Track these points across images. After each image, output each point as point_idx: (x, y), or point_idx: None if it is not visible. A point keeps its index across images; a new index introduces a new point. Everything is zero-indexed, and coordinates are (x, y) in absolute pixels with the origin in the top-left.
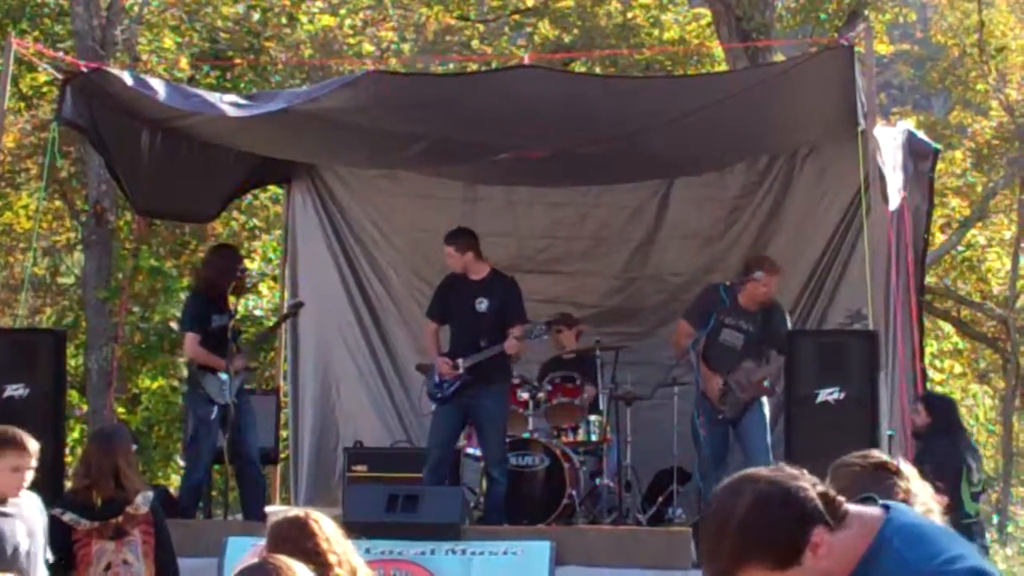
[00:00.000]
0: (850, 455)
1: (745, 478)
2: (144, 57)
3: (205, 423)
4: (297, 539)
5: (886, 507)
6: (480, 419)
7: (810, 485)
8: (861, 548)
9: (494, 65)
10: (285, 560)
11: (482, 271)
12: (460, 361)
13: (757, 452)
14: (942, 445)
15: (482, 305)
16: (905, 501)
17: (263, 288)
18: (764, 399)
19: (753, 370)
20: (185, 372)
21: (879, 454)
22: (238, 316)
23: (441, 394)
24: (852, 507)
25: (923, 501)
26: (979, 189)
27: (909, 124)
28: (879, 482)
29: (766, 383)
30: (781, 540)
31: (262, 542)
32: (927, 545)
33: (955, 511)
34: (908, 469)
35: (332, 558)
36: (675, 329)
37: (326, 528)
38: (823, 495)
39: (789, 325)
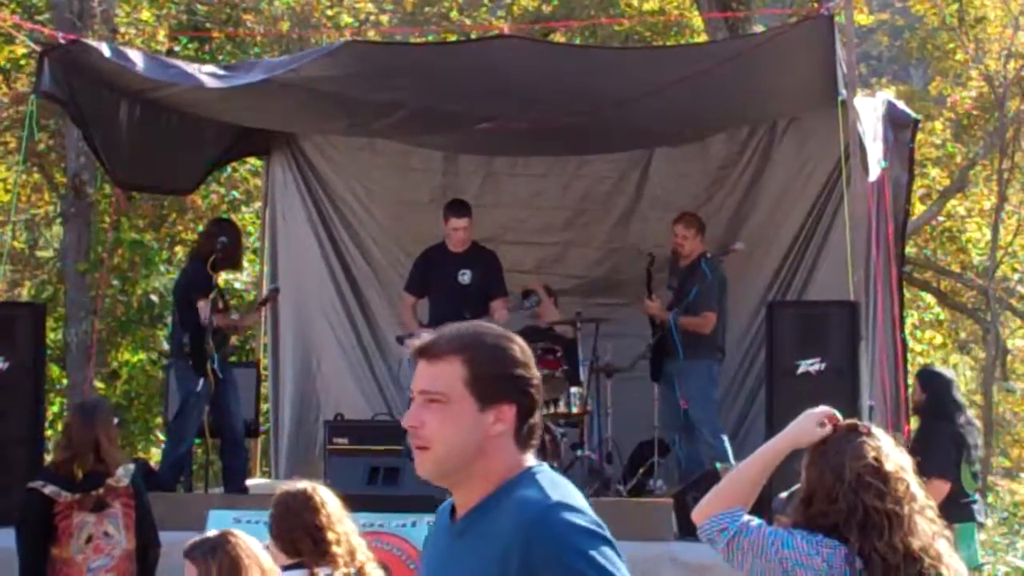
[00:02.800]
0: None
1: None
2: (122, 29)
3: (194, 396)
4: (300, 512)
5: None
6: None
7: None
8: (504, 473)
9: (474, 36)
10: (244, 540)
11: (465, 243)
12: None
13: (696, 418)
14: (940, 425)
15: (465, 277)
16: (876, 459)
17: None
18: (705, 363)
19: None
20: (165, 345)
21: (852, 421)
22: (218, 289)
23: None
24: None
25: (895, 460)
26: (959, 159)
27: (889, 94)
28: (850, 441)
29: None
30: (497, 367)
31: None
32: (562, 489)
33: (955, 492)
34: (880, 432)
35: (331, 535)
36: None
37: (330, 505)
38: (538, 423)
39: (722, 275)
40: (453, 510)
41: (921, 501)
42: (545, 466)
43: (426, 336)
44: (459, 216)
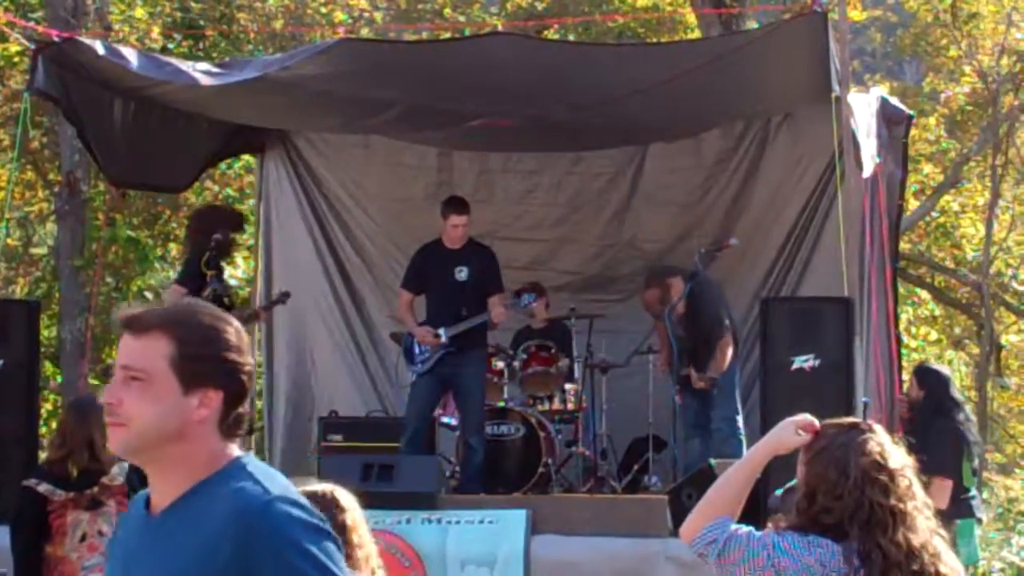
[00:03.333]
0: (823, 422)
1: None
2: (116, 27)
3: None
4: (325, 512)
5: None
6: (460, 388)
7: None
8: (207, 462)
9: (467, 33)
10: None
11: (462, 239)
12: (442, 331)
13: (715, 416)
14: (940, 422)
15: (462, 274)
16: (881, 455)
17: (237, 258)
18: (737, 367)
19: (694, 376)
20: None
21: (853, 418)
22: (222, 284)
23: (422, 364)
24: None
25: (897, 457)
26: (952, 155)
27: (883, 90)
28: (854, 437)
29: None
30: (207, 348)
31: None
32: (279, 481)
33: (955, 488)
34: (880, 429)
35: (355, 537)
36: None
37: (356, 511)
38: (246, 413)
39: (713, 308)
40: (148, 502)
41: (920, 499)
42: (252, 456)
43: (135, 307)
44: (459, 213)
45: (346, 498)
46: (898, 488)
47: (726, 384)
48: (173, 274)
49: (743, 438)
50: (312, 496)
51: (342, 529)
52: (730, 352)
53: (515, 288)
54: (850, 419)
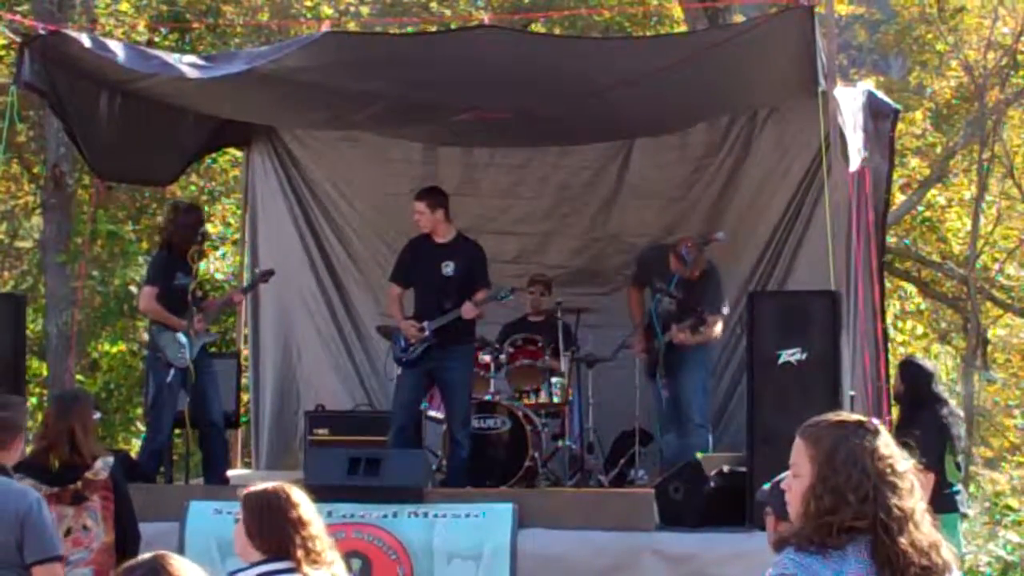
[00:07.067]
0: (823, 416)
1: None
2: (102, 20)
3: (166, 386)
4: (279, 509)
5: None
6: (446, 382)
7: None
8: None
9: (453, 27)
10: (177, 559)
11: (448, 233)
12: (426, 324)
13: (689, 404)
14: (923, 416)
15: (448, 268)
16: (892, 456)
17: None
18: (702, 351)
19: (675, 329)
20: (146, 336)
21: (854, 415)
22: (197, 279)
23: (407, 358)
24: None
25: (905, 457)
26: (939, 149)
27: (869, 84)
28: (864, 438)
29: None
30: None
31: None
32: None
33: (938, 482)
34: (882, 428)
35: (308, 532)
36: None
37: (304, 505)
38: None
39: (722, 286)
40: None
41: (923, 499)
42: None
43: None
44: (418, 199)
45: (296, 494)
46: (910, 489)
47: (707, 374)
48: None
49: (708, 426)
50: (264, 494)
51: (296, 524)
52: (719, 329)
53: (530, 276)
54: (854, 417)
